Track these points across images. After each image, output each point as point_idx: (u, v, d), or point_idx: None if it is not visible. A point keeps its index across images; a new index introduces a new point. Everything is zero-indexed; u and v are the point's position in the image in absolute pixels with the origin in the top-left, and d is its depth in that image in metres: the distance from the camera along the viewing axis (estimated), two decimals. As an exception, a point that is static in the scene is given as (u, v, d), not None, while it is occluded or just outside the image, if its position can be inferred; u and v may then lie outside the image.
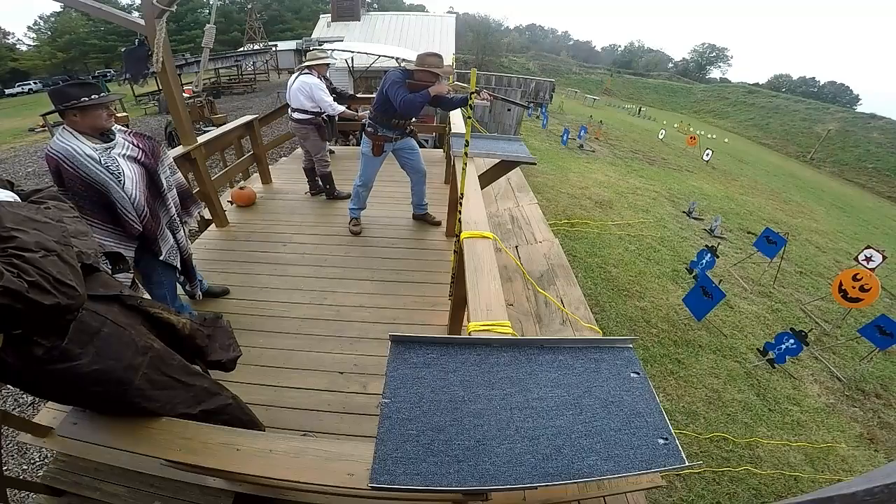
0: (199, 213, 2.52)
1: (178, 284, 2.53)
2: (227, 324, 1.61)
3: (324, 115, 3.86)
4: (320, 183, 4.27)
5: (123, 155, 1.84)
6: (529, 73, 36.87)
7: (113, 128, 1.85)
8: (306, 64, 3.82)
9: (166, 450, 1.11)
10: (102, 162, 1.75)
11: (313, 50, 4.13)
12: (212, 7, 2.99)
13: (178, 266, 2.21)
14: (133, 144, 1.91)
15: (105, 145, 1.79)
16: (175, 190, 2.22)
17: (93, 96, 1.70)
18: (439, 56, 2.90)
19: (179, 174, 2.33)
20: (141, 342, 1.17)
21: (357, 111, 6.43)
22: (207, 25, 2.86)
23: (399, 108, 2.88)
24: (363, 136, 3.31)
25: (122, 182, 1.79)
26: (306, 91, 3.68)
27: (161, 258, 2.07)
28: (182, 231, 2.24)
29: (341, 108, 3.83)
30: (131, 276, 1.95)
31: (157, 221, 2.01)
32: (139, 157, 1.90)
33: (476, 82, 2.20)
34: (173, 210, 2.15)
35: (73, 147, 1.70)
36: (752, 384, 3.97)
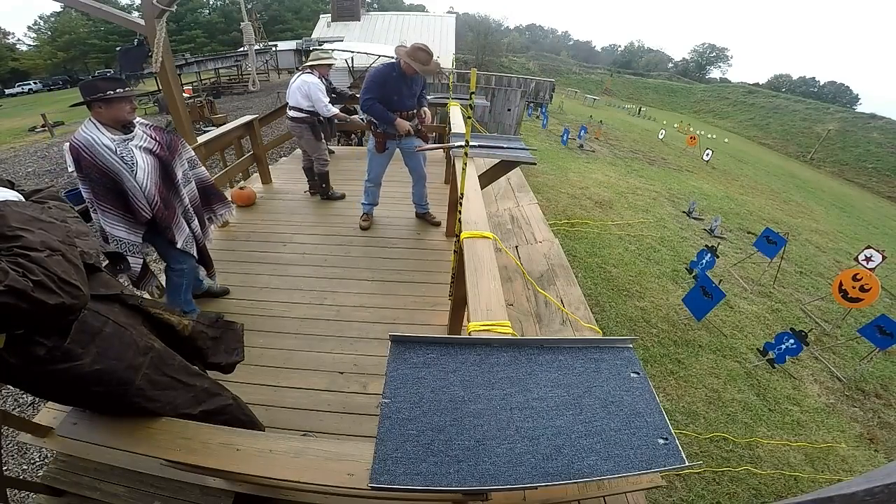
0: (227, 214, 2.59)
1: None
2: (240, 328, 1.62)
3: (320, 116, 3.87)
4: (308, 182, 4.28)
5: (140, 146, 1.93)
6: (529, 73, 36.87)
7: (134, 121, 1.94)
8: (309, 64, 3.85)
9: (166, 450, 1.11)
10: (118, 152, 1.84)
11: (316, 50, 4.14)
12: (241, 3, 3.04)
13: (195, 255, 2.29)
14: (150, 137, 2.00)
15: (123, 137, 1.88)
16: (194, 183, 2.30)
17: (118, 90, 1.80)
18: (429, 53, 2.97)
19: (202, 169, 2.41)
20: (142, 342, 1.17)
21: (354, 110, 6.44)
22: (243, 24, 2.88)
23: (361, 109, 3.12)
24: (370, 133, 3.38)
25: (134, 172, 1.89)
26: (305, 90, 3.71)
27: (178, 247, 2.15)
28: (196, 221, 2.31)
29: (335, 111, 3.84)
30: (142, 260, 2.08)
31: (171, 211, 2.09)
32: (155, 150, 1.99)
33: (476, 82, 2.20)
34: (187, 201, 2.22)
35: (93, 137, 1.80)
36: (752, 384, 3.97)
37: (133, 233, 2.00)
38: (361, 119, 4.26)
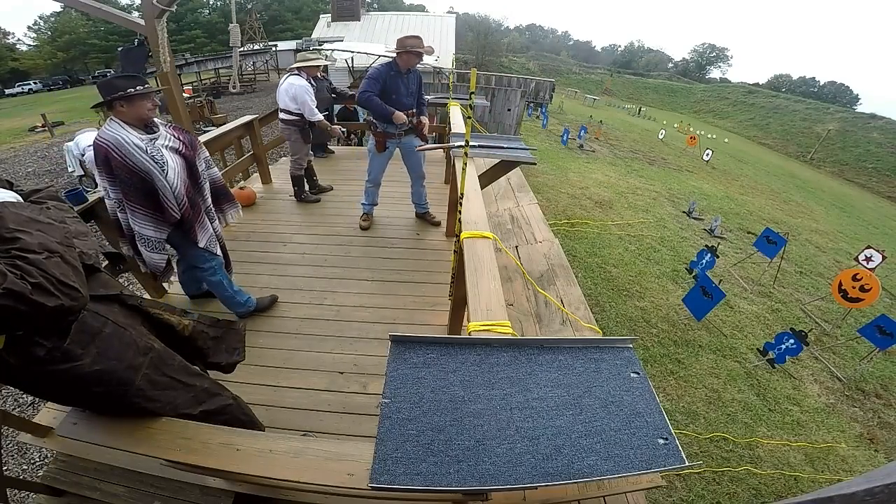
0: (235, 214, 2.59)
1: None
2: (243, 328, 1.62)
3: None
4: (307, 184, 4.25)
5: (167, 146, 1.93)
6: (529, 73, 36.86)
7: (155, 120, 1.94)
8: (296, 65, 3.81)
9: (166, 450, 1.11)
10: (148, 151, 1.83)
11: (304, 51, 4.12)
12: (231, 5, 3.09)
13: (219, 253, 2.31)
14: (174, 136, 2.00)
15: (150, 136, 1.87)
16: (208, 183, 2.30)
17: (138, 87, 1.78)
18: (416, 37, 3.02)
19: (215, 169, 2.42)
20: (142, 342, 1.17)
21: (354, 110, 6.43)
22: (231, 25, 2.90)
23: (358, 102, 3.15)
24: (370, 133, 3.39)
25: (165, 171, 1.87)
26: (292, 92, 3.67)
27: (200, 246, 2.15)
28: (217, 220, 2.34)
29: (319, 117, 3.78)
30: (167, 256, 2.11)
31: (196, 210, 2.10)
32: (180, 149, 1.99)
33: (476, 82, 2.20)
34: (209, 200, 2.24)
35: (122, 136, 1.78)
36: (752, 384, 3.97)
37: (160, 230, 2.02)
38: (342, 130, 4.26)
